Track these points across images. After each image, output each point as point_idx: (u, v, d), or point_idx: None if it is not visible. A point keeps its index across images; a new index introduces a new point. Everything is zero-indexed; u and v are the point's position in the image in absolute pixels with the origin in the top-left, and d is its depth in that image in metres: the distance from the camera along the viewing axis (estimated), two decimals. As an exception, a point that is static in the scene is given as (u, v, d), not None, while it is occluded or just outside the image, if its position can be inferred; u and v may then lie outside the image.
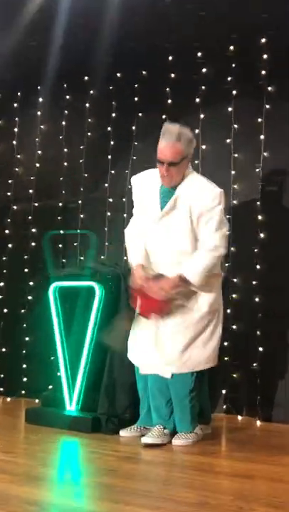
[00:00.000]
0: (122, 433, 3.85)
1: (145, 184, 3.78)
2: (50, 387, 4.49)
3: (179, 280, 3.57)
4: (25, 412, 4.20)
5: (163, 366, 3.65)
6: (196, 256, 3.63)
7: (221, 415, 4.42)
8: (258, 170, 4.48)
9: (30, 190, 5.33)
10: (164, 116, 4.79)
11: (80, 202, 5.14)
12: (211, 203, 3.62)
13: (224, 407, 4.47)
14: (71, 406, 4.11)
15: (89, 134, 5.16)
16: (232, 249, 4.53)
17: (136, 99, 4.96)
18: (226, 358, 4.44)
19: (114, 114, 5.05)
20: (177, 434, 3.69)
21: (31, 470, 3.12)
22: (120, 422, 3.92)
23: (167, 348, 3.65)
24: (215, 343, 3.73)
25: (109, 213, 5.00)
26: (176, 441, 3.64)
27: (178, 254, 3.66)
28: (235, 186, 4.58)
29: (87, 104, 5.17)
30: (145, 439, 3.62)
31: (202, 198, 3.62)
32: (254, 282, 4.45)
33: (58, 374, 4.24)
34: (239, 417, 4.38)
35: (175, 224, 3.66)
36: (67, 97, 5.27)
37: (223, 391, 4.47)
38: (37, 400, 4.74)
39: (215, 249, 3.62)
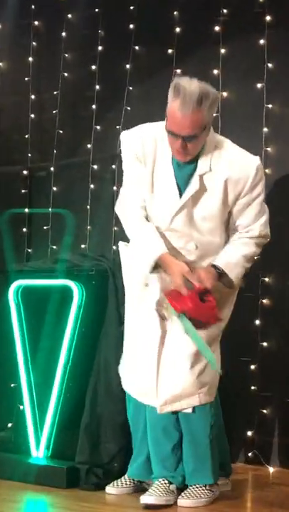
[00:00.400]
0: (109, 489, 3.86)
1: (147, 148, 3.64)
2: (10, 425, 4.50)
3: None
4: (-25, 459, 4.20)
5: (183, 398, 3.65)
6: (234, 244, 3.67)
7: (245, 465, 4.42)
8: (299, 126, 4.51)
9: (-17, 152, 5.32)
10: (170, 51, 4.80)
11: (52, 169, 5.14)
12: (254, 179, 3.63)
13: (249, 454, 4.47)
14: (38, 452, 4.12)
15: (65, 74, 5.16)
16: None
17: (131, 26, 4.95)
18: (252, 388, 4.46)
19: (100, 48, 5.04)
20: (185, 490, 3.70)
21: (-17, 540, 3.12)
22: (106, 473, 3.93)
23: (184, 373, 3.65)
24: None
25: (92, 185, 5.00)
26: (184, 501, 3.65)
27: (204, 249, 3.67)
28: (269, 149, 4.57)
29: (64, 33, 5.16)
30: (146, 498, 3.62)
31: (242, 172, 3.61)
32: (293, 283, 4.48)
33: (21, 407, 4.25)
34: (270, 469, 4.37)
35: (203, 210, 3.62)
36: (36, 22, 5.27)
37: (249, 433, 4.47)
38: (-9, 443, 4.74)
39: (261, 237, 3.71)
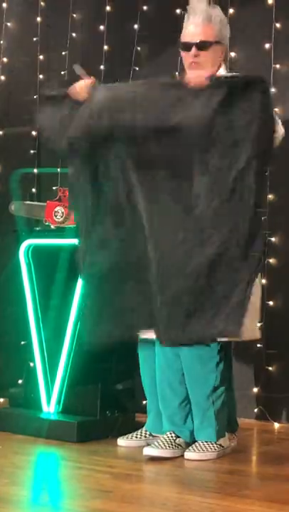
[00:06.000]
0: (120, 441, 3.94)
1: None
2: (20, 381, 4.57)
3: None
4: (-13, 414, 4.30)
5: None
6: None
7: (251, 421, 4.49)
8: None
9: (-8, 113, 5.35)
10: (178, 11, 4.78)
11: (60, 129, 5.15)
12: None
13: (255, 410, 4.55)
14: (49, 407, 4.19)
15: (74, 34, 5.15)
16: (269, 196, 4.56)
17: (139, -15, 4.95)
18: (258, 345, 4.51)
19: (108, 7, 5.03)
20: (194, 444, 3.77)
21: (-3, 490, 3.21)
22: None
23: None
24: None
25: (101, 145, 5.03)
26: (190, 454, 3.72)
27: None
28: (276, 110, 4.54)
29: (72, -7, 5.16)
30: (148, 450, 3.71)
31: None
32: (299, 243, 4.51)
33: (31, 364, 4.32)
34: (276, 425, 4.46)
35: None
36: (44, -18, 5.26)
37: (255, 389, 4.54)
38: (2, 399, 4.83)
39: None
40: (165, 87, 3.46)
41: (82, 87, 3.57)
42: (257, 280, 3.71)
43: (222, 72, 3.77)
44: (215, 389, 3.74)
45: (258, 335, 3.94)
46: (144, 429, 3.96)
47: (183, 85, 3.43)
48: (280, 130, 3.58)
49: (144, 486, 3.43)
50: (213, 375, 3.73)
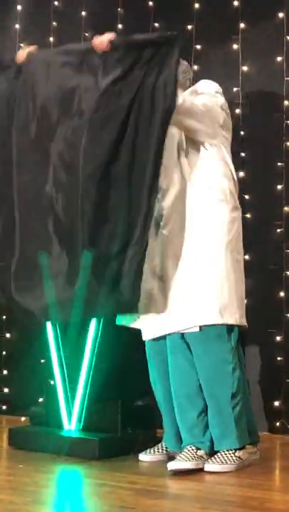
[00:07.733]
0: (142, 457, 3.97)
1: None
2: (41, 400, 4.59)
3: None
4: (9, 432, 4.30)
5: (185, 316, 3.76)
6: None
7: (272, 435, 4.51)
8: None
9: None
10: (189, 27, 4.83)
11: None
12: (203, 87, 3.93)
13: (277, 424, 4.55)
14: (70, 424, 4.22)
15: (86, 53, 5.20)
16: (285, 208, 4.58)
17: (150, 3, 4.99)
18: (278, 358, 4.53)
19: (120, 26, 5.09)
20: (214, 456, 3.78)
21: (19, 509, 3.21)
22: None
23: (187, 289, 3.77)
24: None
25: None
26: (210, 466, 3.73)
27: None
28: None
29: (83, 12, 5.20)
30: (172, 465, 3.72)
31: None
32: None
33: (51, 382, 4.34)
34: (298, 438, 4.49)
35: None
36: (56, 2, 5.31)
37: (276, 403, 4.55)
38: (23, 418, 4.85)
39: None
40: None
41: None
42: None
43: None
44: (233, 395, 3.76)
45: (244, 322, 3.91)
46: (163, 443, 3.99)
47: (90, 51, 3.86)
48: (190, 101, 3.78)
49: (166, 501, 3.43)
50: (231, 380, 3.76)
